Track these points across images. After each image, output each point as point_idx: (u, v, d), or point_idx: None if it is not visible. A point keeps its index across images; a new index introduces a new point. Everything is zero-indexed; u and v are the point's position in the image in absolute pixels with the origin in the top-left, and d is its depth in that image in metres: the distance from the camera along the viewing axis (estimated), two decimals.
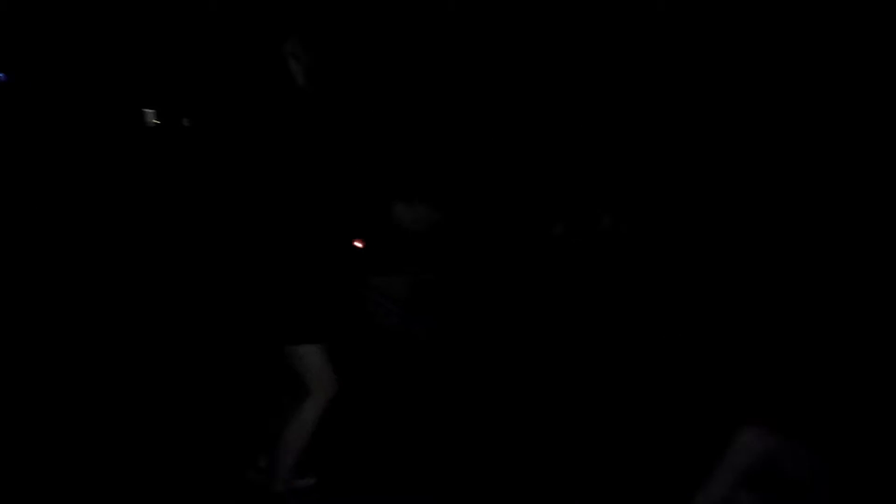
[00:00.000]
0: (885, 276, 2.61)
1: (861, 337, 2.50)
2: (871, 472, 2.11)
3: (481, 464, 2.96)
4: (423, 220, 2.55)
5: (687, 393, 3.05)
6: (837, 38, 3.08)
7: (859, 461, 2.13)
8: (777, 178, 3.19)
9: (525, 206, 3.44)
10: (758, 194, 3.22)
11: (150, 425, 3.23)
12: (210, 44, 4.87)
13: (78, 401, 3.42)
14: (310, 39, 2.37)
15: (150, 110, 5.56)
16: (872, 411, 2.23)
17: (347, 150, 2.49)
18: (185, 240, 4.64)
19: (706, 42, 3.50)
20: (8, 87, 5.45)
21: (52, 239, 4.84)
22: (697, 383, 3.04)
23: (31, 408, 3.28)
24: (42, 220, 4.94)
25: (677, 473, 2.53)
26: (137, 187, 5.21)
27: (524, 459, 2.96)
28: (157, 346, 4.03)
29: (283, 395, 2.62)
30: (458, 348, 3.29)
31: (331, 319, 2.56)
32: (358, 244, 3.29)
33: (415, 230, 2.46)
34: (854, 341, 2.49)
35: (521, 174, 3.48)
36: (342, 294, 2.59)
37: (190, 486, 2.80)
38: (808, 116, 3.12)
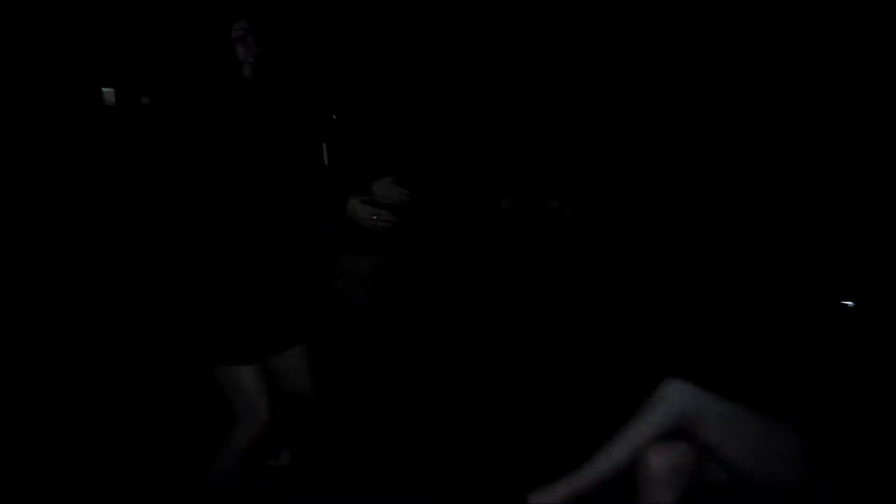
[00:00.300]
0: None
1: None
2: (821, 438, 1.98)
3: (463, 456, 2.89)
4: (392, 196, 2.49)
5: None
6: (838, 38, 3.06)
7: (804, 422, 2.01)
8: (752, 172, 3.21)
9: (475, 179, 3.41)
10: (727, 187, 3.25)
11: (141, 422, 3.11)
12: (169, 24, 4.77)
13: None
14: (259, 25, 2.15)
15: (109, 89, 5.46)
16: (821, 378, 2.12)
17: (295, 138, 2.37)
18: (141, 232, 4.52)
19: (705, 42, 3.50)
20: None
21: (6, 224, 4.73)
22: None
23: None
24: None
25: None
26: (96, 170, 5.10)
27: (499, 449, 2.90)
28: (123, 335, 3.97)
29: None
30: (429, 334, 3.27)
31: (275, 331, 2.24)
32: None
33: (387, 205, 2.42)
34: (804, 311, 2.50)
35: (475, 151, 3.45)
36: (295, 299, 2.32)
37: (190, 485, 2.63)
38: (805, 118, 3.12)
